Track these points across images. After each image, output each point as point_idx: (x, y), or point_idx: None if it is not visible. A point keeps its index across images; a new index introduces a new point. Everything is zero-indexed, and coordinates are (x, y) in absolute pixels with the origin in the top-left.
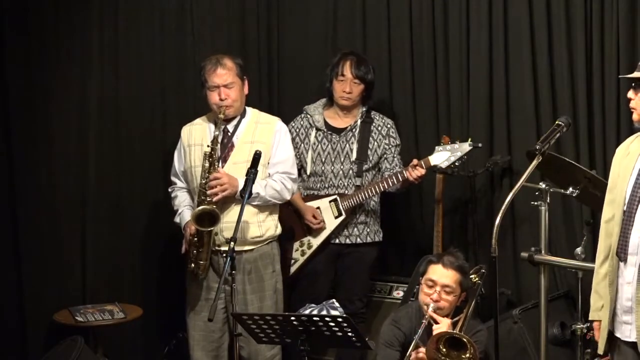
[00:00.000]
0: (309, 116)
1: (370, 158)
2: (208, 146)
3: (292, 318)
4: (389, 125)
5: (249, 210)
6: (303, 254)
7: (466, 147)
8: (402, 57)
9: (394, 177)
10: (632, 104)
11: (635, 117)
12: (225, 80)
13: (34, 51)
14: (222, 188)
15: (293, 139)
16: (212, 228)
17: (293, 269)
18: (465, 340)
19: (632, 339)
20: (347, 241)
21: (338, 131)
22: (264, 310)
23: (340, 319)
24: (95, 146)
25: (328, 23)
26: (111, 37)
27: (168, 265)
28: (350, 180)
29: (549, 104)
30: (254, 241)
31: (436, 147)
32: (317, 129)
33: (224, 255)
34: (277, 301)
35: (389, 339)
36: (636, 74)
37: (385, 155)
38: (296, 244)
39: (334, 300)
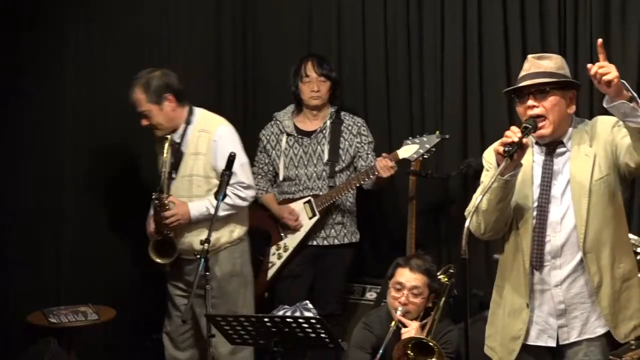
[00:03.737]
0: (278, 122)
1: (343, 158)
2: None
3: (266, 319)
4: (359, 124)
5: (202, 223)
6: (280, 257)
7: (434, 139)
8: (376, 59)
9: (366, 174)
10: (537, 111)
11: (544, 131)
12: (139, 109)
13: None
14: (177, 222)
15: (264, 146)
16: (170, 259)
17: (271, 272)
18: (432, 344)
19: (574, 337)
20: (325, 243)
21: (308, 134)
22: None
23: (313, 321)
24: (70, 150)
25: (303, 29)
26: (85, 51)
27: (141, 268)
28: (323, 182)
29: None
30: (210, 249)
31: (404, 141)
32: (288, 134)
33: (190, 259)
34: (240, 303)
35: (360, 342)
36: (534, 81)
37: (359, 154)
38: (273, 248)
39: (307, 302)
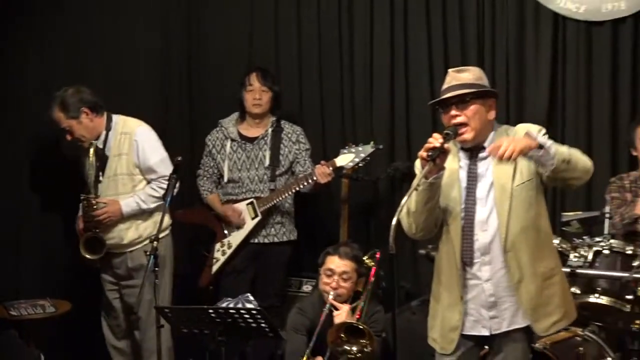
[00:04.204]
0: (223, 129)
1: (283, 163)
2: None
3: (210, 311)
4: (297, 132)
5: (128, 218)
6: (224, 253)
7: (369, 148)
8: (311, 72)
9: (305, 179)
10: (459, 120)
11: (466, 136)
12: (61, 126)
13: None
14: (109, 219)
15: (210, 151)
16: (99, 255)
17: (215, 267)
18: (362, 327)
19: (504, 328)
20: (265, 240)
21: (251, 140)
22: (145, 301)
23: (254, 312)
24: (28, 147)
25: (244, 43)
26: (37, 58)
27: None
28: (265, 185)
29: None
30: (132, 242)
31: (341, 150)
32: (232, 140)
33: (118, 252)
34: (163, 295)
35: (295, 326)
36: (455, 92)
37: (297, 160)
38: (217, 245)
39: (248, 294)
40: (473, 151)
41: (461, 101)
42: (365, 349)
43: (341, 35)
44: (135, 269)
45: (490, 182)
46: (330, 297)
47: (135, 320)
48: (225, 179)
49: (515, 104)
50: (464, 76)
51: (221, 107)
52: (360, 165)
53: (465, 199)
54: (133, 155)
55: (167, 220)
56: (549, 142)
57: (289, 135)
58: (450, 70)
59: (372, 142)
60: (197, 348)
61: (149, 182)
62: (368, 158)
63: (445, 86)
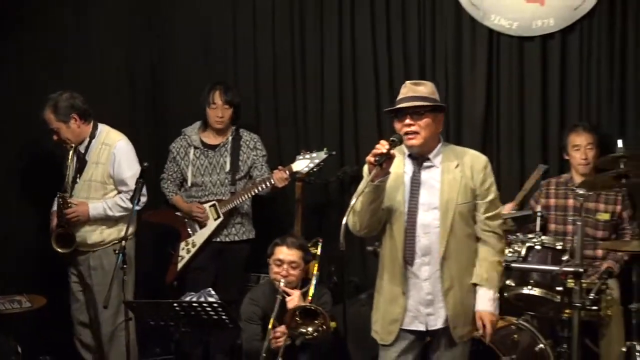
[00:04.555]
0: (187, 137)
1: (242, 168)
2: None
3: (175, 304)
4: (255, 140)
5: (95, 222)
6: (188, 252)
7: (322, 155)
8: (266, 84)
9: (263, 183)
10: (413, 128)
11: (414, 142)
12: (50, 126)
13: None
14: (77, 219)
15: (174, 157)
16: (70, 249)
17: (180, 264)
18: (315, 308)
19: (439, 325)
20: (227, 239)
21: (213, 147)
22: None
23: (215, 305)
24: (1, 146)
25: (204, 55)
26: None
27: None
28: (226, 188)
29: (389, 123)
30: (95, 244)
31: (297, 156)
32: (195, 147)
33: (82, 251)
34: (125, 290)
35: (249, 316)
36: (414, 103)
37: (255, 165)
38: (182, 244)
39: (210, 289)
40: (418, 160)
41: (417, 112)
42: (321, 328)
43: (293, 51)
44: (95, 268)
45: (435, 190)
46: (282, 284)
47: (99, 314)
48: (189, 184)
49: (454, 114)
50: (420, 89)
51: (184, 116)
52: (314, 170)
53: (408, 203)
54: (109, 166)
55: (130, 228)
56: (496, 301)
57: (247, 143)
58: (407, 82)
59: (325, 149)
60: (163, 339)
61: (119, 193)
62: (322, 164)
63: (401, 96)
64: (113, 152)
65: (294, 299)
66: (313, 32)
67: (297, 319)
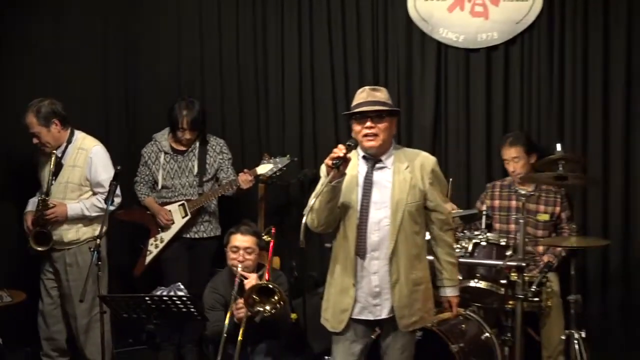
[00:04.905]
0: (157, 142)
1: (209, 171)
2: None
3: (147, 298)
4: (221, 144)
5: (71, 221)
6: (157, 247)
7: (285, 160)
8: (231, 94)
9: (230, 185)
10: (372, 131)
11: (374, 143)
12: (31, 130)
13: None
14: (55, 219)
15: (145, 161)
16: (47, 247)
17: (149, 258)
18: (271, 286)
19: (385, 314)
20: (196, 236)
21: (182, 152)
22: (78, 294)
23: (184, 298)
24: None
25: (173, 68)
26: None
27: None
28: (194, 189)
29: (345, 129)
30: (71, 242)
31: (262, 160)
32: (165, 152)
33: (58, 249)
34: (95, 289)
35: (211, 304)
36: (375, 107)
37: (221, 168)
38: (151, 240)
39: (179, 283)
40: (371, 161)
41: (378, 116)
42: (278, 305)
43: (256, 64)
44: (71, 264)
45: (387, 190)
46: (239, 269)
47: (76, 307)
48: (160, 186)
49: (405, 119)
50: (378, 94)
51: (154, 122)
52: (277, 173)
53: (361, 202)
54: (86, 170)
55: (93, 229)
56: (457, 287)
57: (214, 147)
58: (366, 87)
59: (288, 155)
60: (135, 330)
61: (94, 194)
62: (284, 168)
63: (360, 100)
64: (90, 157)
65: (251, 281)
66: (274, 46)
67: (255, 297)
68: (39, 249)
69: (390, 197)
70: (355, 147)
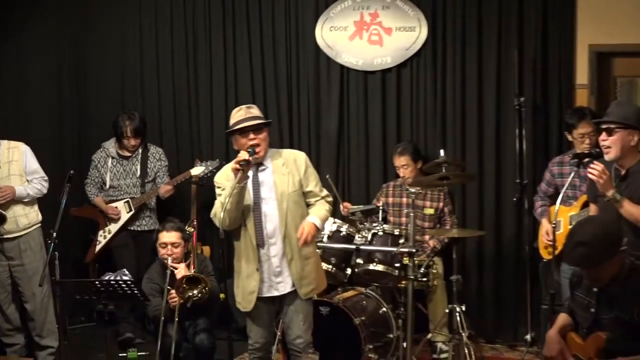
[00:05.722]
0: (105, 149)
1: (149, 174)
2: None
3: (96, 282)
4: (160, 152)
5: (18, 208)
6: (105, 237)
7: (215, 163)
8: (168, 108)
9: (153, 192)
10: (255, 142)
11: (261, 152)
12: None
13: None
14: (8, 195)
15: (95, 165)
16: (3, 224)
17: (98, 247)
18: (196, 276)
19: (288, 289)
20: (138, 228)
21: (126, 158)
22: (35, 274)
23: (129, 282)
24: None
25: (118, 84)
26: None
27: None
28: (137, 189)
29: (277, 127)
30: (24, 227)
31: (195, 163)
32: (112, 158)
33: (10, 237)
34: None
35: (149, 292)
36: (255, 122)
37: (158, 173)
38: (100, 232)
39: (124, 269)
40: (255, 165)
41: (257, 129)
42: (204, 290)
43: (189, 83)
44: (25, 250)
45: (271, 186)
46: (169, 261)
47: (31, 288)
48: (108, 186)
49: (314, 131)
50: (253, 111)
51: (103, 132)
52: (207, 175)
53: (253, 200)
54: (22, 162)
55: (37, 214)
56: (321, 223)
57: (154, 154)
58: (243, 106)
59: (217, 160)
60: (86, 310)
61: (30, 182)
62: (215, 170)
63: (240, 117)
64: (23, 151)
65: (180, 271)
66: (204, 69)
67: (185, 285)
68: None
69: (275, 192)
70: (254, 153)
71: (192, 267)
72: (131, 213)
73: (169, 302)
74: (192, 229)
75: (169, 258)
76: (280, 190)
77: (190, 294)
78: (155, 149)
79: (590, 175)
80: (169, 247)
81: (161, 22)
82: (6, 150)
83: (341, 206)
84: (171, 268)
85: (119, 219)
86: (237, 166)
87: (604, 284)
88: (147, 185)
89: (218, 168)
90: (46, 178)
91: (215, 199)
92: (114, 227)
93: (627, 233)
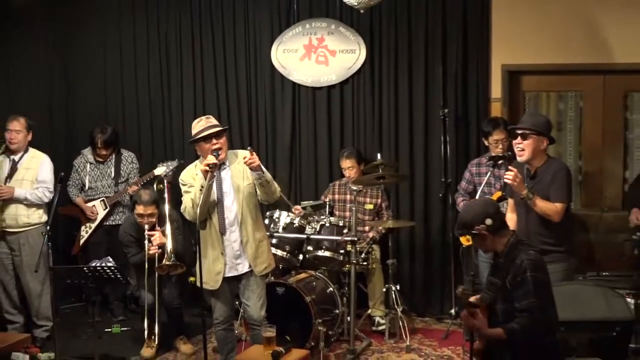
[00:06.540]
0: (84, 156)
1: (122, 176)
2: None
3: (85, 268)
4: (132, 156)
5: (22, 208)
6: (87, 232)
7: (175, 163)
8: (145, 119)
9: (124, 191)
10: (218, 146)
11: (223, 155)
12: (15, 128)
13: None
14: (7, 195)
15: (76, 169)
16: None
17: (82, 241)
18: (175, 263)
19: (246, 269)
20: (113, 223)
21: (102, 162)
22: (32, 266)
23: (113, 268)
24: None
25: (100, 98)
26: None
27: None
28: (112, 189)
29: (238, 135)
30: (24, 225)
31: (158, 164)
32: (90, 163)
33: (12, 231)
34: (46, 262)
35: (126, 243)
36: (217, 129)
37: (130, 174)
38: (82, 227)
39: (109, 257)
40: (219, 166)
41: (218, 134)
42: (179, 269)
43: (163, 99)
44: (24, 244)
45: (229, 182)
46: (146, 228)
47: (31, 276)
48: (87, 187)
49: (270, 140)
50: (212, 120)
51: (82, 141)
52: (169, 173)
53: (217, 194)
54: (37, 171)
55: (45, 215)
56: (266, 173)
57: (126, 158)
58: (203, 117)
59: (177, 158)
60: (76, 291)
61: (37, 188)
62: (175, 169)
63: (203, 127)
64: (41, 162)
65: (156, 237)
66: (175, 86)
67: (166, 268)
68: None
69: (232, 186)
70: (218, 156)
71: (169, 252)
72: (107, 210)
73: (149, 251)
74: (162, 186)
75: (146, 227)
76: (237, 184)
77: (173, 274)
78: (128, 153)
79: (506, 180)
80: (145, 217)
81: (140, 49)
82: (30, 157)
83: (293, 209)
84: (148, 235)
85: (95, 218)
86: (207, 168)
87: (489, 252)
88: (120, 186)
89: (178, 166)
90: (51, 190)
91: (181, 196)
92: (93, 224)
93: (538, 224)
